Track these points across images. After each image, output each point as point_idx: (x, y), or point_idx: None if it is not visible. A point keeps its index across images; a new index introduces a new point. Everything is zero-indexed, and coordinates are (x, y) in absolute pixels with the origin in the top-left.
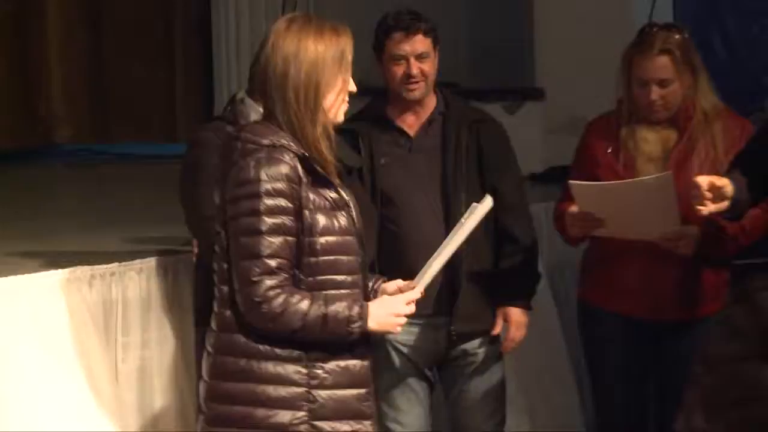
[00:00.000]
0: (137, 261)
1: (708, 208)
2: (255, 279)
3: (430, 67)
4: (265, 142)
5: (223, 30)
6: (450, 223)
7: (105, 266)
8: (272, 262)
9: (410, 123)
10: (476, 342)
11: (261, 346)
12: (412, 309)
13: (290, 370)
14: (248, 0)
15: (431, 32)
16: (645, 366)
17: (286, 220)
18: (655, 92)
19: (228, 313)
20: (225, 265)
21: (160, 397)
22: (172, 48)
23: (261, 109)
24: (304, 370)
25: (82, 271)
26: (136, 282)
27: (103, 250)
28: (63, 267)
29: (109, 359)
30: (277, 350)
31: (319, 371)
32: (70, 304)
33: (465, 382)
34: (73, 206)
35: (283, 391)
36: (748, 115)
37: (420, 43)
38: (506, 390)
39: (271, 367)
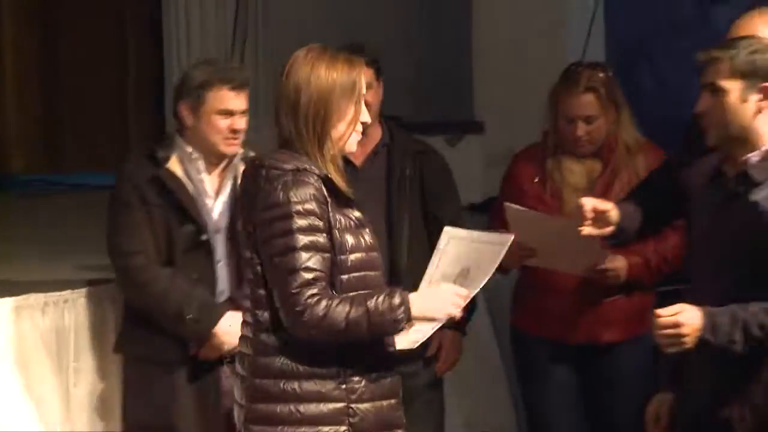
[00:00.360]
0: (90, 288)
1: (588, 230)
2: (294, 291)
3: (373, 97)
4: (289, 167)
5: (175, 59)
6: (394, 248)
7: (58, 293)
8: (309, 275)
9: (356, 154)
10: (414, 366)
11: (299, 367)
12: (458, 301)
13: (329, 386)
14: (199, 40)
15: (374, 63)
16: (576, 389)
17: (319, 237)
18: (581, 128)
19: (264, 336)
20: (260, 291)
21: (111, 422)
22: (125, 87)
23: (188, 149)
24: (342, 386)
25: (36, 298)
26: (88, 308)
27: (56, 278)
28: (16, 294)
29: (62, 384)
30: (315, 369)
31: (357, 385)
32: (23, 331)
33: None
34: (27, 234)
35: (324, 407)
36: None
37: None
38: (445, 412)
39: (311, 385)
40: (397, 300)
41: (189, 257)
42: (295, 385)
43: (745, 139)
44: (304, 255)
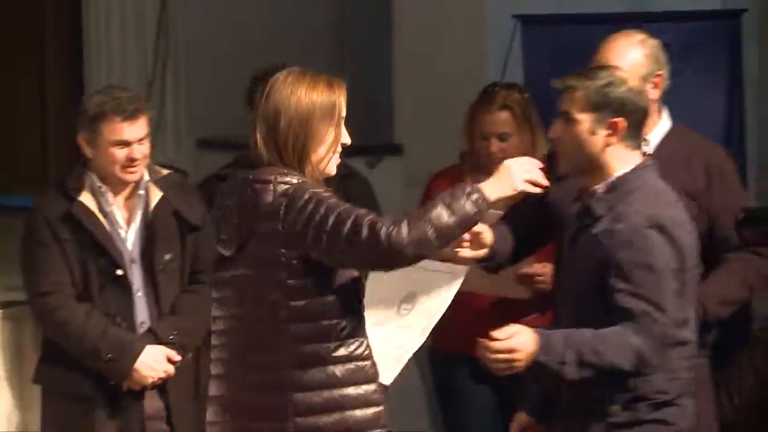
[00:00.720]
0: (8, 309)
1: (464, 253)
2: (365, 226)
3: None
4: (295, 180)
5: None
6: None
7: None
8: (367, 215)
9: None
10: None
11: (339, 374)
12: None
13: (369, 390)
14: (119, 66)
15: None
16: (496, 408)
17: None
18: (495, 145)
19: (306, 348)
20: (295, 303)
21: None
22: (45, 109)
23: (96, 181)
24: (379, 389)
25: None
26: (5, 329)
27: None
28: None
29: None
30: (355, 375)
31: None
32: None
33: None
34: None
35: (369, 411)
36: None
37: None
38: None
39: (352, 390)
40: (466, 188)
41: (106, 291)
42: (337, 393)
43: (592, 171)
44: (344, 205)
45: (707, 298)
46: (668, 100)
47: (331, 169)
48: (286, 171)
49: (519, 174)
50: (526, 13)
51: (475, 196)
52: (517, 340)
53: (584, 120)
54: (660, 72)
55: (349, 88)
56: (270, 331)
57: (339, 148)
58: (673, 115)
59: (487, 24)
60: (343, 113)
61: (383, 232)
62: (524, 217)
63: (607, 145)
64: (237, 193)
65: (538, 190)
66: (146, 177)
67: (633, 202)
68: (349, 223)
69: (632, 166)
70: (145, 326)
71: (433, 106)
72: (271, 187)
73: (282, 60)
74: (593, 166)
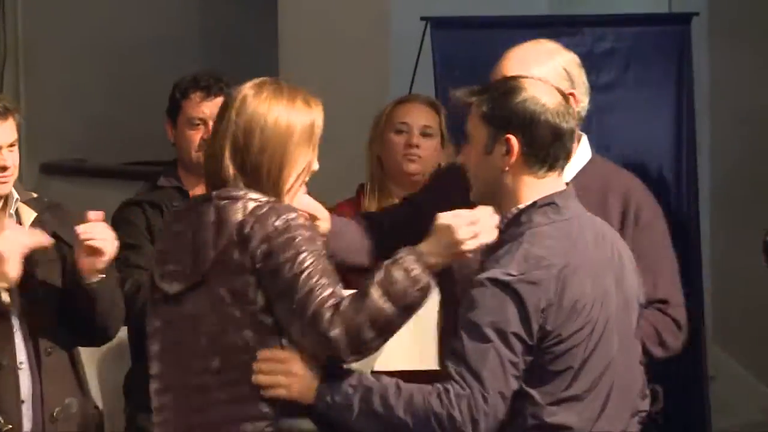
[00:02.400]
0: None
1: None
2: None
3: None
4: (264, 198)
5: None
6: None
7: None
8: (329, 292)
9: None
10: None
11: None
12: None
13: None
14: None
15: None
16: None
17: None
18: (416, 137)
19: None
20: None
21: None
22: None
23: None
24: None
25: None
26: None
27: None
28: None
29: None
30: None
31: None
32: None
33: None
34: None
35: None
36: None
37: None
38: None
39: None
40: (404, 260)
41: None
42: None
43: (497, 199)
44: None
45: None
46: (609, 114)
47: (298, 197)
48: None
49: (465, 233)
50: (436, 15)
51: (415, 273)
52: (292, 364)
53: (478, 136)
54: (572, 92)
55: None
56: (233, 380)
57: (306, 177)
58: (615, 132)
59: (391, 27)
60: (319, 135)
61: (323, 327)
62: (394, 214)
63: (504, 168)
64: (194, 215)
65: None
66: (15, 195)
67: (501, 252)
68: (313, 304)
69: (528, 203)
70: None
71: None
72: (240, 204)
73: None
74: (498, 194)
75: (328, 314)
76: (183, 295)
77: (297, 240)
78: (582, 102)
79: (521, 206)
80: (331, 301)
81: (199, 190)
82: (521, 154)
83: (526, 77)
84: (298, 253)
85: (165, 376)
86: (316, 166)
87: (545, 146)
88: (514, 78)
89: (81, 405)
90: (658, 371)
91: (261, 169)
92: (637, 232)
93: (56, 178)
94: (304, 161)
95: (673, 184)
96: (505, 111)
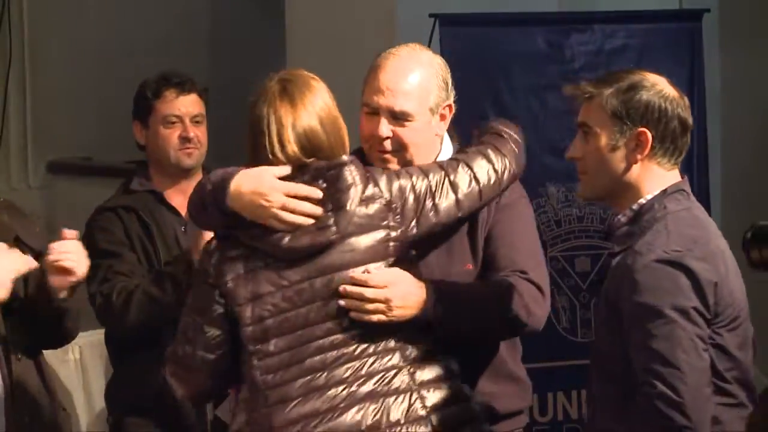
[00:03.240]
0: None
1: None
2: None
3: (203, 133)
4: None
5: None
6: None
7: None
8: None
9: (181, 203)
10: None
11: None
12: None
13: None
14: None
15: (206, 93)
16: None
17: None
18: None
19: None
20: None
21: None
22: None
23: None
24: None
25: None
26: None
27: None
28: None
29: None
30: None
31: None
32: None
33: None
34: None
35: None
36: None
37: (195, 104)
38: None
39: None
40: None
41: None
42: None
43: (618, 196)
44: None
45: None
46: None
47: None
48: None
49: None
50: (444, 12)
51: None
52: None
53: (604, 132)
54: (449, 103)
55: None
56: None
57: None
58: None
59: (398, 24)
60: None
61: None
62: None
63: (633, 162)
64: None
65: None
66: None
67: (647, 235)
68: None
69: (657, 192)
70: None
71: None
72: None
73: (162, 65)
74: (619, 190)
75: None
76: None
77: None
78: (453, 109)
79: (649, 196)
80: None
81: (174, 191)
82: (651, 147)
83: (642, 70)
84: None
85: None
86: None
87: (675, 139)
88: (639, 71)
89: (50, 408)
90: None
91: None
92: (497, 212)
93: (62, 177)
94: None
95: None
96: (633, 104)
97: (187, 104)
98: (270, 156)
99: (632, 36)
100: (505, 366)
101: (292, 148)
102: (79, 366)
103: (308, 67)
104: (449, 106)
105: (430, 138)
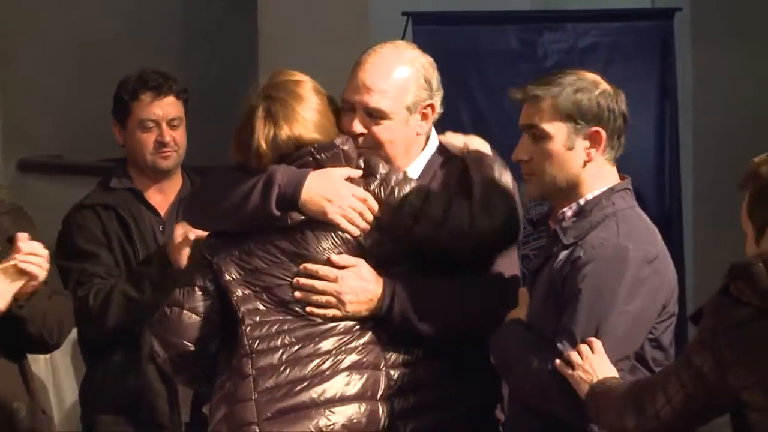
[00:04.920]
0: None
1: None
2: None
3: (183, 135)
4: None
5: None
6: None
7: None
8: None
9: (159, 202)
10: None
11: None
12: None
13: None
14: None
15: (185, 94)
16: None
17: None
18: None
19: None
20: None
21: None
22: None
23: None
24: None
25: None
26: None
27: None
28: None
29: None
30: None
31: None
32: None
33: None
34: None
35: None
36: None
37: (172, 106)
38: None
39: None
40: None
41: None
42: None
43: (569, 192)
44: None
45: None
46: None
47: None
48: None
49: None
50: (418, 10)
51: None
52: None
53: (558, 133)
54: (431, 102)
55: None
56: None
57: None
58: None
59: (371, 22)
60: None
61: None
62: None
63: (588, 160)
64: None
65: None
66: None
67: (599, 229)
68: None
69: (605, 188)
70: None
71: None
72: None
73: (134, 62)
74: (567, 187)
75: None
76: None
77: None
78: (438, 110)
79: (596, 192)
80: None
81: (153, 191)
82: (602, 145)
83: (575, 70)
84: None
85: None
86: None
87: (620, 135)
88: (577, 71)
89: (30, 409)
90: None
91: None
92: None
93: (33, 175)
94: None
95: (655, 181)
96: (586, 105)
97: (164, 107)
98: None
99: (604, 34)
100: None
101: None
102: (50, 365)
103: (280, 64)
104: (431, 105)
105: (409, 136)
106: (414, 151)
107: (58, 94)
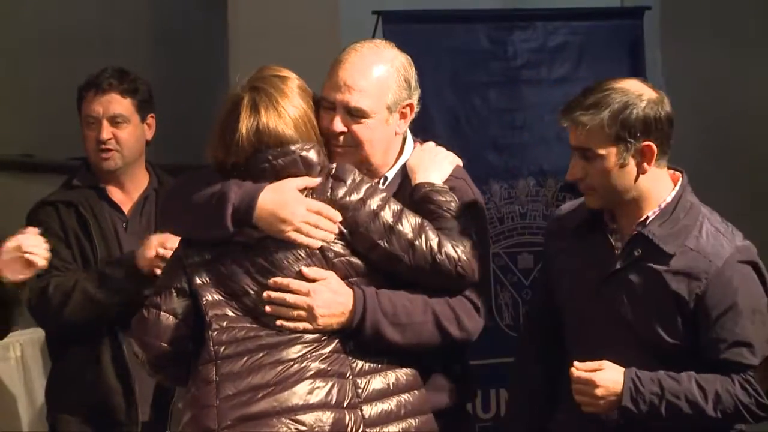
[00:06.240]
0: None
1: None
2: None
3: (128, 134)
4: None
5: None
6: None
7: None
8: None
9: (123, 200)
10: None
11: None
12: None
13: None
14: None
15: (131, 93)
16: None
17: None
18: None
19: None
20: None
21: None
22: None
23: None
24: None
25: None
26: None
27: None
28: None
29: None
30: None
31: None
32: None
33: None
34: None
35: None
36: None
37: (115, 103)
38: None
39: None
40: None
41: None
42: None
43: (630, 202)
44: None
45: None
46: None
47: None
48: None
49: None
50: (388, 8)
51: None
52: (600, 376)
53: (609, 154)
54: (410, 102)
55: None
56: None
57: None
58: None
59: (341, 21)
60: None
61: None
62: None
63: (642, 173)
64: None
65: None
66: None
67: (704, 234)
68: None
69: (676, 189)
70: None
71: None
72: None
73: (104, 61)
74: (630, 197)
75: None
76: None
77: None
78: (416, 109)
79: (673, 193)
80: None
81: (116, 189)
82: (653, 157)
83: (620, 81)
84: None
85: None
86: None
87: (669, 138)
88: (611, 83)
89: None
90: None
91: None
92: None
93: (3, 174)
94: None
95: None
96: (631, 122)
97: (105, 104)
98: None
99: (574, 33)
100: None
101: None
102: (20, 363)
103: (250, 63)
104: (410, 105)
105: (388, 136)
106: (392, 152)
107: (28, 93)
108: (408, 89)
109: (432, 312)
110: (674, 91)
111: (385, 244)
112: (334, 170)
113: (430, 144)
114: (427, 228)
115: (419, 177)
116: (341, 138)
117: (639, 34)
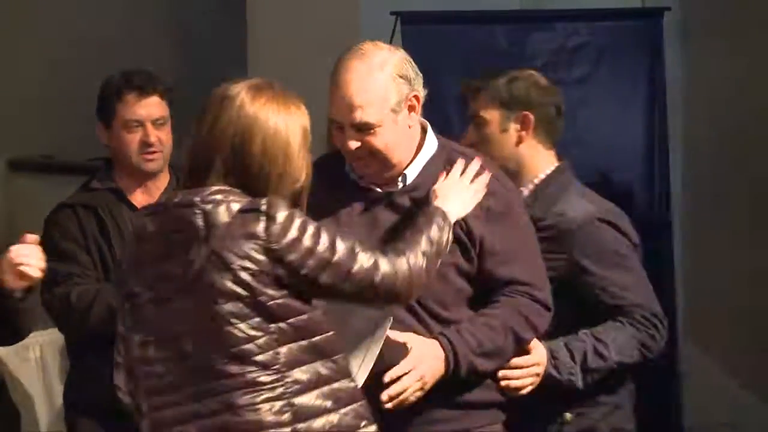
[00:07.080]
0: None
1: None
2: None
3: (167, 135)
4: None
5: None
6: None
7: None
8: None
9: (143, 200)
10: None
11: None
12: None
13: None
14: None
15: (169, 94)
16: None
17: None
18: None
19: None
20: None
21: None
22: None
23: None
24: None
25: None
26: None
27: None
28: None
29: None
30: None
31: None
32: None
33: None
34: None
35: None
36: None
37: (157, 106)
38: None
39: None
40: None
41: None
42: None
43: (513, 172)
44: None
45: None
46: (581, 109)
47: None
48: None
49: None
50: (406, 9)
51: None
52: (536, 355)
53: (493, 118)
54: (415, 94)
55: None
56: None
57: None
58: (587, 126)
59: (360, 22)
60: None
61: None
62: None
63: (520, 140)
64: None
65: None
66: None
67: (568, 202)
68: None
69: (551, 168)
70: None
71: None
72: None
73: (124, 64)
74: (510, 167)
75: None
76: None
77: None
78: (422, 95)
79: (548, 171)
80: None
81: (139, 193)
82: (532, 128)
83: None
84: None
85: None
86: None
87: (551, 121)
88: (519, 70)
89: None
90: (631, 368)
91: (258, 171)
92: (489, 222)
93: (23, 175)
94: (304, 166)
95: (645, 180)
96: (516, 93)
97: (149, 107)
98: None
99: (593, 34)
100: None
101: None
102: (40, 365)
103: (270, 65)
104: (415, 96)
105: (402, 133)
106: (411, 143)
107: (49, 94)
108: (408, 83)
109: (511, 329)
110: (693, 90)
111: (325, 277)
112: (266, 205)
113: (457, 177)
114: (363, 255)
115: (439, 202)
116: (358, 152)
117: (659, 35)
